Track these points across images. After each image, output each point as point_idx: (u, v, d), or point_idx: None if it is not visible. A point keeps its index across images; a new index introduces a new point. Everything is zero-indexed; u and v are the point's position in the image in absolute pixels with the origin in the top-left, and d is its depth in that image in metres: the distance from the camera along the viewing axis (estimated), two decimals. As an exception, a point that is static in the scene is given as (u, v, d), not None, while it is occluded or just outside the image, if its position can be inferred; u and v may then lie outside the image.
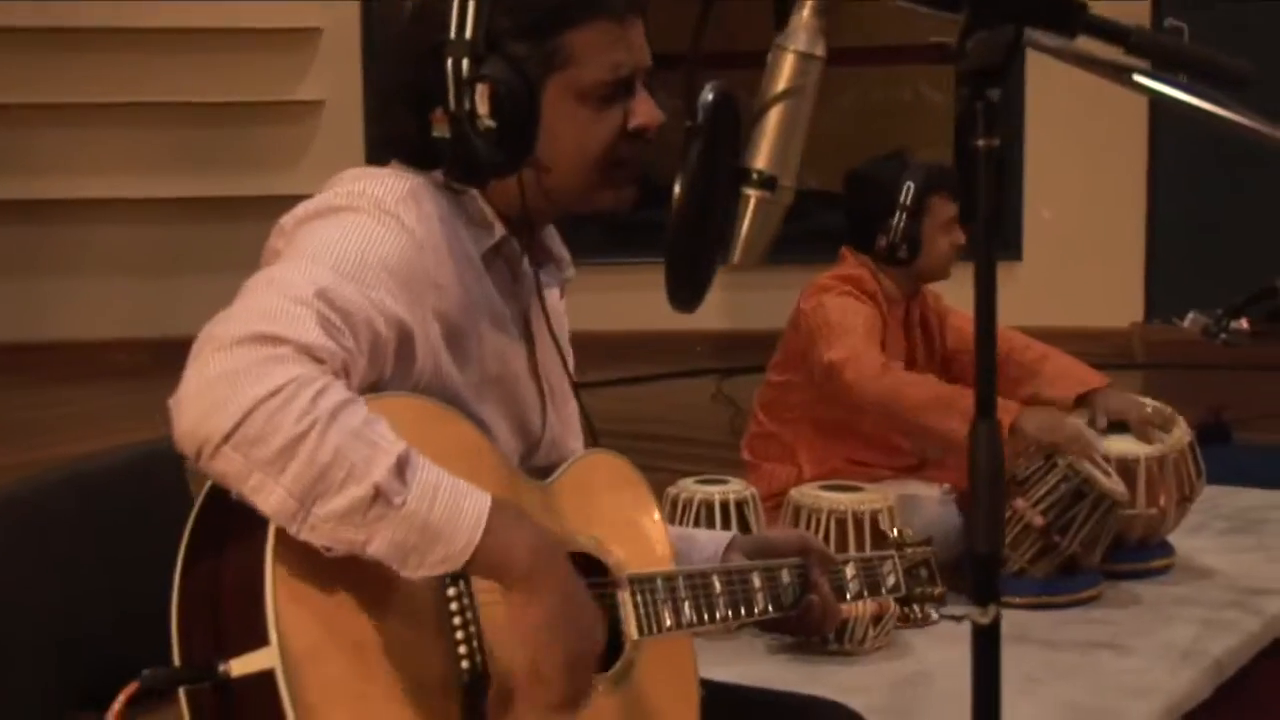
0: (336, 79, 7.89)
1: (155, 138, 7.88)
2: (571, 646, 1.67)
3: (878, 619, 3.29)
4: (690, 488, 3.48)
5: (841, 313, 3.80)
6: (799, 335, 3.91)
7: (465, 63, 1.75)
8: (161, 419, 1.57)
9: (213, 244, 7.64)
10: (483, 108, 1.75)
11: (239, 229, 6.95)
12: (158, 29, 7.67)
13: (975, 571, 1.37)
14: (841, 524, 3.32)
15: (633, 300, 7.44)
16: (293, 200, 1.81)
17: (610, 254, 7.49)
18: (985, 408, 1.38)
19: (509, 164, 1.80)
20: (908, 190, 3.86)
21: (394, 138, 1.86)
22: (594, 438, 2.00)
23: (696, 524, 3.38)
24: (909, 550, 2.29)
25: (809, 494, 3.42)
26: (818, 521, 3.34)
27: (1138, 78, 1.54)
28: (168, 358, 1.60)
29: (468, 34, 1.75)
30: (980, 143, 1.34)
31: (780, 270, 3.67)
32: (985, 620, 1.37)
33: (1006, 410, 3.63)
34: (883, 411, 3.73)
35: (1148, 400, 4.01)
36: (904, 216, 3.86)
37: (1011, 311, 5.30)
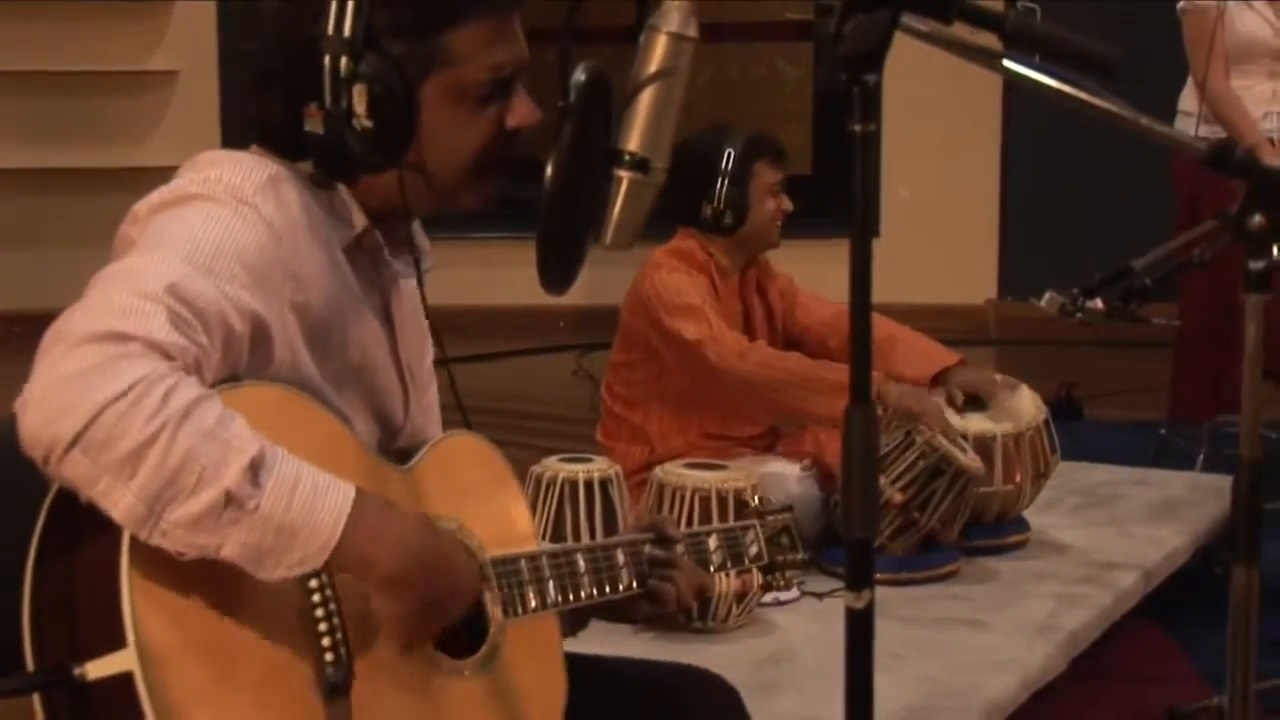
0: (190, 49, 7.74)
1: (3, 107, 7.69)
2: (436, 626, 1.69)
3: (741, 596, 3.30)
4: (554, 466, 3.46)
5: (677, 290, 3.80)
6: (637, 315, 3.91)
7: (344, 61, 1.70)
8: (15, 396, 1.52)
9: (64, 216, 7.47)
10: (360, 108, 1.71)
11: (90, 201, 6.79)
12: (5, -4, 7.49)
13: (849, 556, 1.37)
14: (705, 501, 3.32)
15: (493, 275, 7.40)
16: (145, 172, 1.77)
17: (471, 229, 7.44)
18: (860, 392, 1.38)
19: (383, 164, 1.76)
20: (729, 156, 3.85)
21: (261, 124, 1.81)
22: (465, 419, 1.98)
23: (560, 503, 3.37)
24: (770, 518, 2.29)
25: (673, 472, 3.42)
26: (682, 499, 3.34)
27: (1007, 63, 1.56)
28: (22, 331, 1.56)
29: (346, 31, 1.69)
30: (857, 128, 1.33)
31: (643, 246, 3.66)
32: (859, 605, 1.37)
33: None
34: (747, 391, 3.75)
35: (998, 376, 4.08)
36: (726, 182, 3.85)
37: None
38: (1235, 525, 1.60)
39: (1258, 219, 1.53)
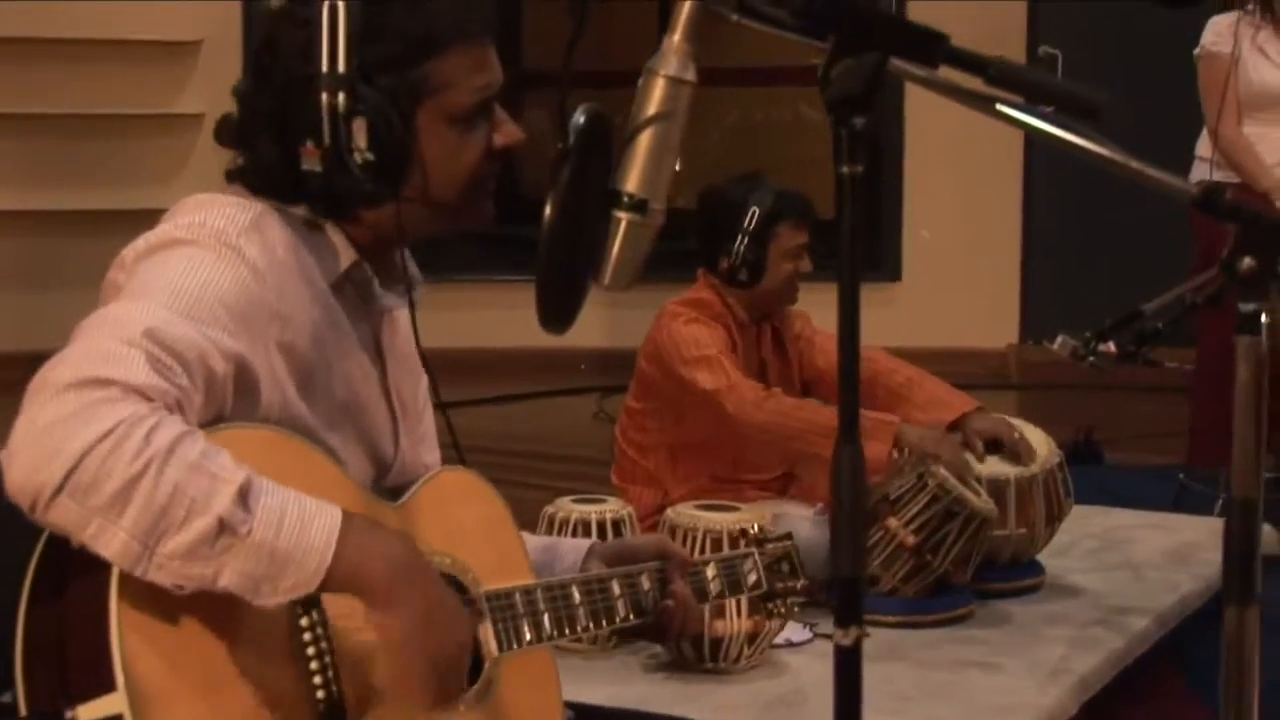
0: (216, 92, 7.68)
1: (31, 149, 7.75)
2: (436, 655, 1.68)
3: (753, 638, 3.31)
4: (567, 506, 3.49)
5: (694, 341, 3.82)
6: (653, 365, 3.93)
7: (341, 97, 1.73)
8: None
9: (89, 258, 7.46)
10: (360, 141, 1.74)
11: (116, 243, 6.81)
12: (35, 39, 7.54)
13: (839, 593, 1.38)
14: (717, 543, 3.32)
15: (513, 317, 7.42)
16: (171, 214, 1.79)
17: (493, 270, 7.48)
18: (848, 433, 1.39)
19: (384, 196, 1.80)
20: (752, 215, 3.85)
21: (257, 169, 1.82)
22: (459, 455, 2.00)
23: (573, 543, 3.37)
24: (769, 546, 2.29)
25: (685, 514, 3.44)
26: (694, 540, 3.34)
27: (1001, 107, 1.57)
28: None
29: (340, 67, 1.73)
30: (844, 169, 1.35)
31: (663, 288, 3.69)
32: (847, 642, 1.38)
33: (888, 423, 3.70)
34: (764, 440, 3.76)
35: (1015, 421, 4.07)
36: (745, 240, 3.85)
37: (891, 332, 5.30)
38: (1227, 565, 1.60)
39: (1247, 262, 1.54)
